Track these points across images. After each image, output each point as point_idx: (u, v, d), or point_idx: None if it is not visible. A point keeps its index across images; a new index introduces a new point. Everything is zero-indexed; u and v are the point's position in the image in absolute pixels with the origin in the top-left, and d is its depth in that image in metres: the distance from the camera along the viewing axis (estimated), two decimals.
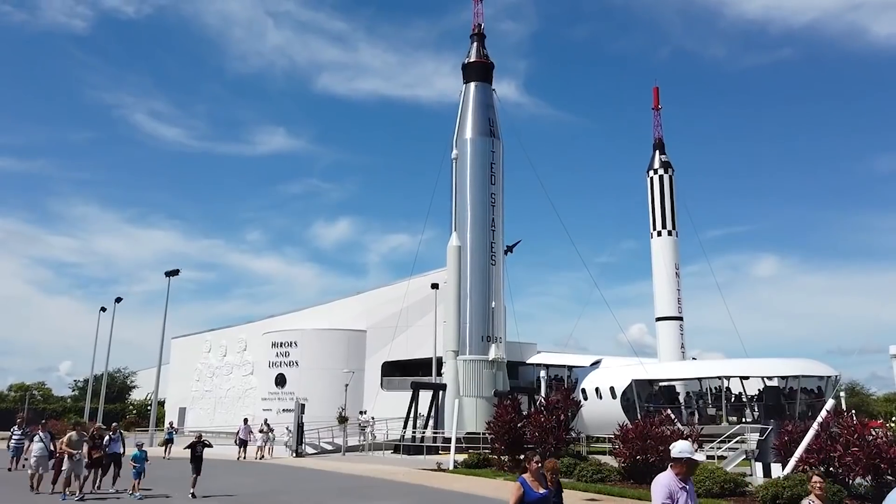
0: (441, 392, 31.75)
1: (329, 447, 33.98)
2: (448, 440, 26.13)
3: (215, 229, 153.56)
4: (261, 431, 31.00)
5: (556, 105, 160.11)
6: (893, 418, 15.26)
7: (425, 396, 32.04)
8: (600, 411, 31.78)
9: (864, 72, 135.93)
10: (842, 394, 29.96)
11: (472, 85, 35.45)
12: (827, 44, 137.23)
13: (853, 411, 30.97)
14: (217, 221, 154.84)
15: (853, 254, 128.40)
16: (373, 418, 33.21)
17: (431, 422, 31.35)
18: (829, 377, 30.49)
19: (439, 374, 33.58)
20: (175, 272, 44.30)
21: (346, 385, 36.96)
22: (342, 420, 34.04)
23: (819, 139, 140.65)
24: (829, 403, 18.22)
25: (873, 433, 15.64)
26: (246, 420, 32.01)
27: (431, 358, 35.71)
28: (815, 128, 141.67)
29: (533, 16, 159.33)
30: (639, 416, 24.61)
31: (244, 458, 28.96)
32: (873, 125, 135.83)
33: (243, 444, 29.57)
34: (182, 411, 49.87)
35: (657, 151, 42.73)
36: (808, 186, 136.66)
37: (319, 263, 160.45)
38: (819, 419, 16.55)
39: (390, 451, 30.61)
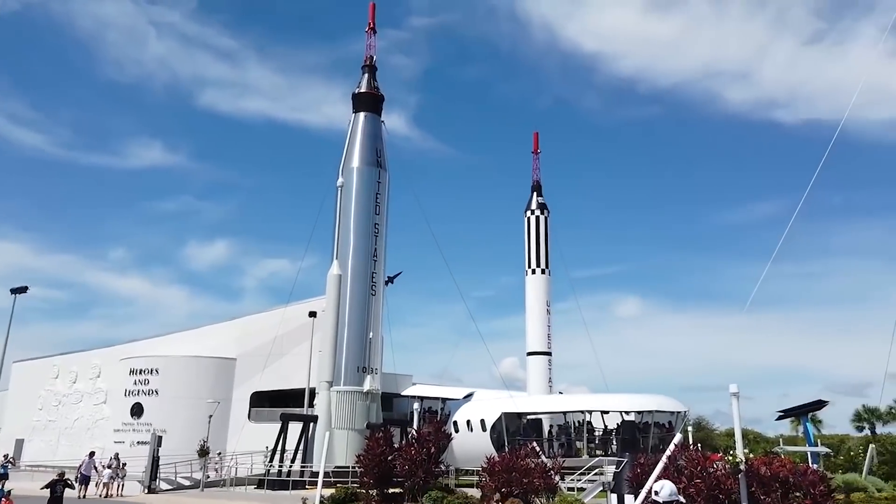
0: (312, 424, 30.92)
1: (187, 483, 31.95)
2: (316, 474, 25.44)
3: (73, 244, 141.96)
4: (108, 466, 28.59)
5: (443, 141, 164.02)
6: (731, 452, 16.67)
7: (295, 429, 31.06)
8: (471, 444, 32.26)
9: (718, 133, 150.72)
10: (689, 428, 32.37)
11: (361, 115, 35.61)
12: (688, 105, 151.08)
13: (699, 445, 33.54)
14: (76, 236, 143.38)
15: (705, 297, 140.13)
16: (219, 454, 31.94)
17: (300, 455, 30.40)
18: (679, 412, 32.88)
19: (311, 405, 32.74)
20: (22, 289, 40.34)
21: (210, 416, 35.07)
22: (203, 453, 32.21)
23: (679, 191, 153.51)
24: (678, 437, 19.63)
25: (715, 466, 17.02)
26: (92, 453, 29.44)
27: (304, 388, 34.77)
28: (676, 180, 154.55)
29: (425, 53, 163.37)
30: (506, 449, 25.25)
31: (84, 495, 26.52)
32: (725, 180, 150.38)
33: (85, 480, 27.09)
34: (19, 443, 45.02)
35: (535, 193, 44.80)
36: (669, 233, 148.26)
37: (191, 286, 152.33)
38: (668, 452, 17.77)
39: (253, 487, 29.27)
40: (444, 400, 40.62)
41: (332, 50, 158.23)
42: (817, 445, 29.52)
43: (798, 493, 16.16)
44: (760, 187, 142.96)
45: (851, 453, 38.56)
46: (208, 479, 31.09)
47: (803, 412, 29.58)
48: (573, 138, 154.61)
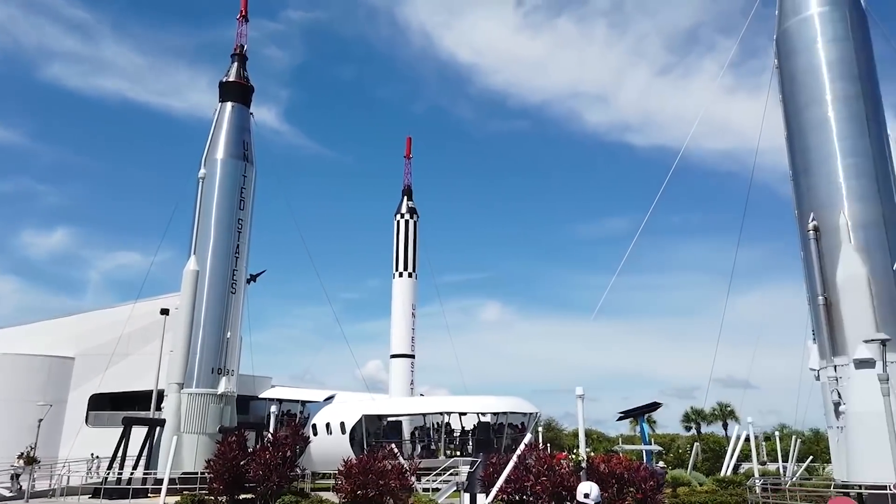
0: (158, 428, 29.08)
1: (8, 493, 28.84)
2: (160, 481, 23.95)
3: None
4: None
5: (315, 139, 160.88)
6: (575, 451, 17.83)
7: (139, 434, 29.05)
8: (329, 447, 31.86)
9: (578, 150, 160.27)
10: (540, 429, 34.10)
11: (229, 105, 34.13)
12: (553, 122, 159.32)
13: (548, 445, 35.42)
14: None
15: (559, 304, 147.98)
16: (30, 460, 29.30)
17: (143, 462, 28.46)
18: (531, 413, 34.52)
19: (159, 408, 30.80)
20: None
21: (41, 420, 31.92)
22: (30, 461, 29.23)
23: (542, 202, 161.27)
24: (527, 438, 20.65)
25: (560, 464, 18.11)
26: None
27: (152, 391, 32.63)
28: (539, 192, 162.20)
29: (300, 47, 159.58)
30: (365, 451, 25.24)
31: None
32: (583, 195, 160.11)
33: None
34: None
35: (405, 197, 45.21)
36: (530, 243, 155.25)
37: (23, 277, 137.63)
38: (518, 452, 18.65)
39: (88, 496, 27.01)
40: (303, 402, 39.80)
41: (200, 34, 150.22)
42: (651, 444, 32.21)
43: (632, 489, 17.62)
44: (613, 204, 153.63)
45: (680, 451, 42.51)
46: (34, 490, 28.27)
47: (640, 413, 32.19)
48: (446, 145, 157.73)
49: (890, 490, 15.83)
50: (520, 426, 34.07)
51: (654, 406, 33.27)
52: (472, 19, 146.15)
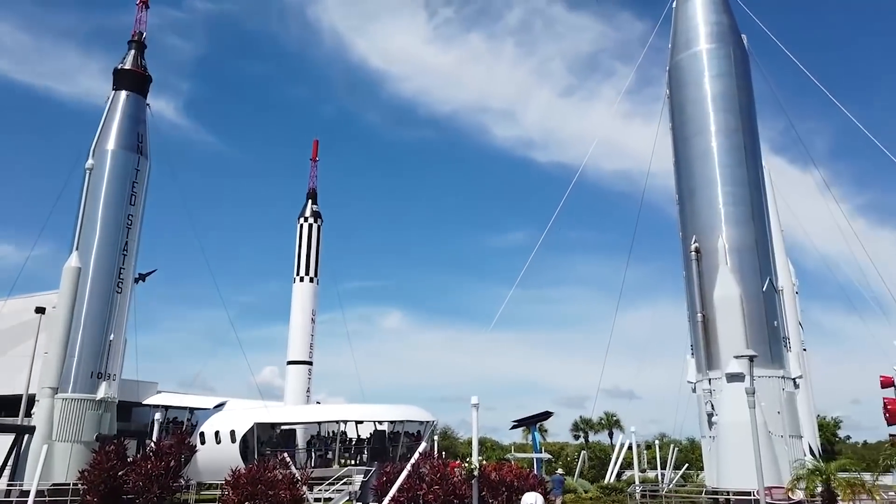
0: (27, 436, 26.86)
1: None
2: (26, 493, 22.13)
3: None
4: None
5: (217, 135, 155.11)
6: (468, 459, 18.08)
7: (5, 442, 26.71)
8: (218, 456, 30.56)
9: (485, 163, 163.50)
10: (436, 437, 34.32)
11: (123, 94, 32.23)
12: (462, 133, 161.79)
13: (443, 453, 35.71)
14: None
15: (459, 313, 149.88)
16: None
17: (8, 472, 26.18)
18: (427, 422, 34.67)
19: (29, 414, 28.45)
20: None
21: None
22: None
23: (446, 212, 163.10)
24: (422, 446, 20.75)
25: (454, 473, 18.32)
26: None
27: (21, 395, 30.10)
28: (445, 201, 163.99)
29: (204, 39, 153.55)
30: (256, 461, 24.44)
31: None
32: (487, 207, 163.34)
33: None
34: None
35: (310, 200, 44.42)
36: (434, 252, 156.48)
37: None
38: (412, 461, 18.70)
39: None
40: (192, 410, 37.99)
41: (93, 17, 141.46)
42: (542, 452, 33.18)
43: (521, 496, 18.08)
44: (516, 217, 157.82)
45: (569, 459, 44.01)
46: None
47: (533, 422, 33.13)
48: (353, 150, 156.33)
49: (754, 496, 17.11)
50: (416, 434, 34.12)
51: (546, 415, 34.34)
52: (385, 27, 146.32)
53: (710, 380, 19.67)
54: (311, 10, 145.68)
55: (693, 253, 20.61)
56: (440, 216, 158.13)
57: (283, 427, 34.61)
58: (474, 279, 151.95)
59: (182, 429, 33.52)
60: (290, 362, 40.90)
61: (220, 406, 37.12)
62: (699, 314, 20.04)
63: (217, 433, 33.32)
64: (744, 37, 22.67)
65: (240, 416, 34.26)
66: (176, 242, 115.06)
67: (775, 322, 19.68)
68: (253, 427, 32.48)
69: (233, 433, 32.89)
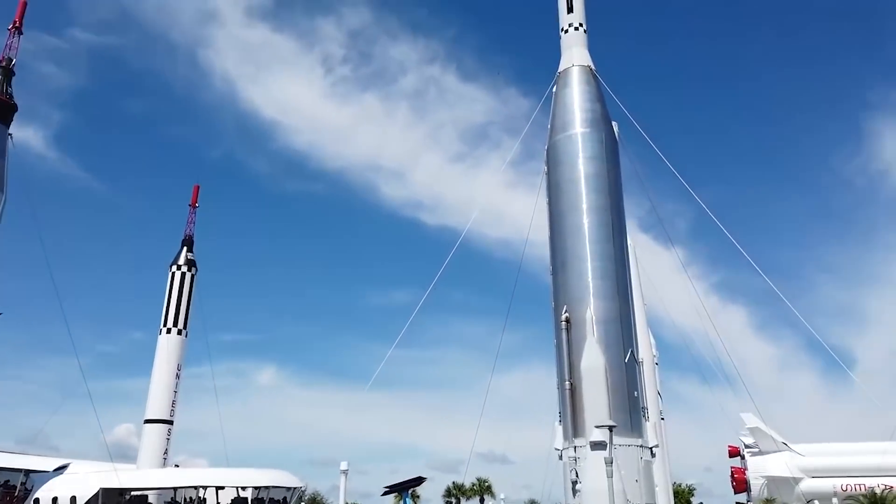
0: None
1: None
2: None
3: None
4: None
5: (90, 171, 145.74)
6: None
7: None
8: None
9: (373, 221, 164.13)
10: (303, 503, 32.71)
11: None
12: (352, 190, 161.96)
13: None
14: None
15: (338, 372, 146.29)
16: None
17: None
18: (295, 488, 33.07)
19: None
20: None
21: None
22: None
23: (330, 267, 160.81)
24: None
25: None
26: None
27: None
28: (329, 256, 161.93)
29: (83, 70, 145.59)
30: None
31: None
32: (373, 265, 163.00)
33: None
34: None
35: (185, 247, 42.39)
36: (313, 306, 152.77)
37: None
38: None
39: None
40: (27, 472, 34.07)
41: None
42: None
43: None
44: (402, 276, 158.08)
45: None
46: None
47: (404, 488, 32.38)
48: (238, 198, 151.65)
49: None
50: (282, 501, 32.39)
51: (419, 481, 33.75)
52: (280, 78, 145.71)
53: (575, 447, 20.22)
54: (203, 53, 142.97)
55: (563, 323, 21.44)
56: (323, 271, 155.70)
57: (133, 493, 31.71)
58: (355, 336, 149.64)
59: (14, 494, 29.92)
60: (147, 420, 37.89)
61: (61, 469, 33.55)
62: (567, 382, 20.71)
63: (55, 499, 29.98)
64: (615, 124, 24.59)
65: (83, 480, 31.09)
66: (31, 284, 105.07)
67: (635, 392, 20.70)
68: (98, 493, 29.57)
69: (73, 499, 29.72)
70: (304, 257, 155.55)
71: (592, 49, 24.51)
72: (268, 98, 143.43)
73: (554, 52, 25.03)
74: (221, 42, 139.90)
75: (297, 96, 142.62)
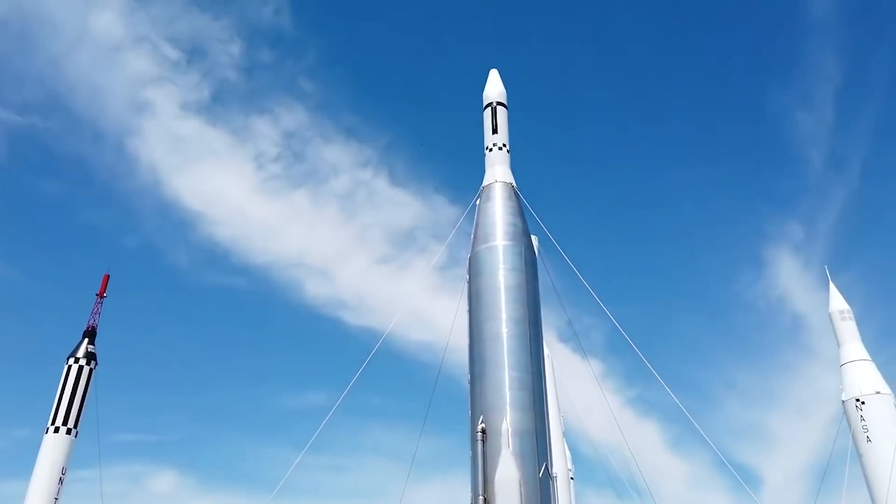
0: None
1: None
2: None
3: None
4: None
5: None
6: None
7: None
8: None
9: (295, 319, 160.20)
10: None
11: None
12: (275, 286, 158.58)
13: None
14: None
15: (244, 478, 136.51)
16: None
17: None
18: None
19: None
20: None
21: None
22: None
23: (243, 365, 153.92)
24: None
25: None
26: None
27: None
28: (243, 354, 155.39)
29: (4, 152, 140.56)
30: None
31: None
32: (290, 365, 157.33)
33: None
34: None
35: (86, 339, 39.89)
36: (221, 408, 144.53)
37: None
38: None
39: None
40: None
41: None
42: None
43: None
44: (319, 377, 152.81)
45: None
46: None
47: None
48: (151, 290, 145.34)
49: None
50: None
51: None
52: (208, 170, 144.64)
53: None
54: (132, 141, 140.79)
55: (479, 434, 21.18)
56: (236, 369, 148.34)
57: None
58: (264, 440, 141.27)
59: None
60: None
61: None
62: (480, 497, 20.17)
63: None
64: (535, 238, 25.69)
65: None
66: None
67: None
68: None
69: None
70: (216, 354, 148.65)
71: (515, 166, 25.96)
72: (194, 189, 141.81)
73: (480, 166, 26.34)
74: (152, 132, 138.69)
75: (225, 189, 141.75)
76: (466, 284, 25.37)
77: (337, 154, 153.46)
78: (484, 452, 21.09)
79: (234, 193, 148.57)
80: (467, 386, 23.40)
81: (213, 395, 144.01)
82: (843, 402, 31.12)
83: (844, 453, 30.67)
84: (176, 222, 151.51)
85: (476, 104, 25.62)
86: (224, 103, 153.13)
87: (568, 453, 31.64)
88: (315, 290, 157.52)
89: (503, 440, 20.85)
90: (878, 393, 30.13)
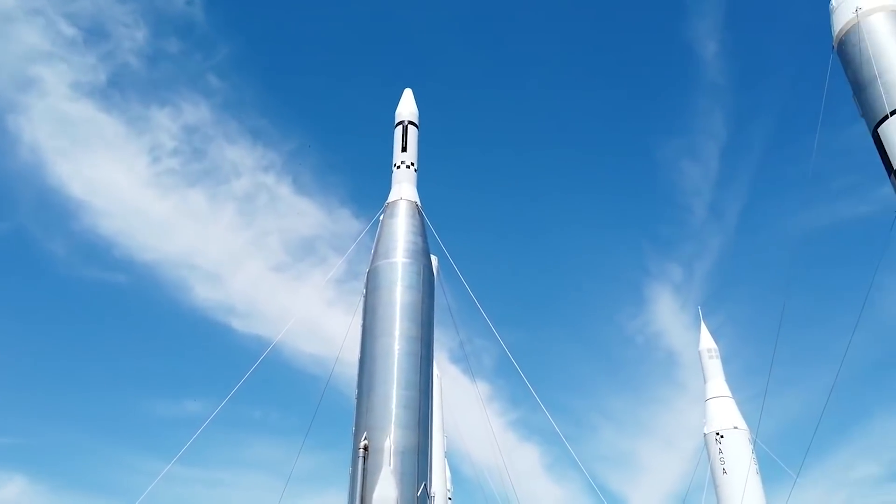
0: None
1: None
2: None
3: None
4: None
5: None
6: None
7: None
8: None
9: (178, 323, 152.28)
10: None
11: None
12: (160, 285, 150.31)
13: None
14: None
15: (104, 488, 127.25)
16: None
17: None
18: None
19: None
20: None
21: None
22: None
23: (115, 369, 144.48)
24: None
25: None
26: None
27: None
28: (116, 356, 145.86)
29: None
30: None
31: None
32: (169, 369, 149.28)
33: None
34: None
35: None
36: (85, 411, 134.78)
37: None
38: None
39: None
40: None
41: None
42: None
43: None
44: (199, 385, 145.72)
45: None
46: None
47: None
48: (21, 281, 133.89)
49: None
50: None
51: None
52: (97, 157, 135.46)
53: None
54: (14, 118, 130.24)
55: (362, 450, 21.03)
56: (106, 372, 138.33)
57: None
58: (132, 449, 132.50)
59: None
60: None
61: None
62: None
63: None
64: (434, 258, 26.01)
65: None
66: None
67: None
68: None
69: None
70: (87, 354, 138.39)
71: (421, 186, 26.24)
72: (79, 176, 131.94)
73: (387, 182, 26.42)
74: (37, 111, 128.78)
75: (114, 179, 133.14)
76: (363, 299, 25.25)
77: (240, 155, 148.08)
78: (364, 470, 20.93)
79: (123, 184, 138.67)
80: (354, 401, 23.23)
81: (80, 397, 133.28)
82: (705, 434, 33.43)
83: (703, 483, 32.90)
84: (55, 209, 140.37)
85: (388, 121, 25.74)
86: (122, 89, 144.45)
87: (448, 473, 31.93)
88: (204, 293, 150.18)
89: (385, 458, 20.79)
90: (735, 428, 32.59)
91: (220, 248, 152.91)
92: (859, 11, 21.12)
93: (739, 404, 33.62)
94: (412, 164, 25.59)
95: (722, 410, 33.37)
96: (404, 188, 25.70)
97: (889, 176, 20.40)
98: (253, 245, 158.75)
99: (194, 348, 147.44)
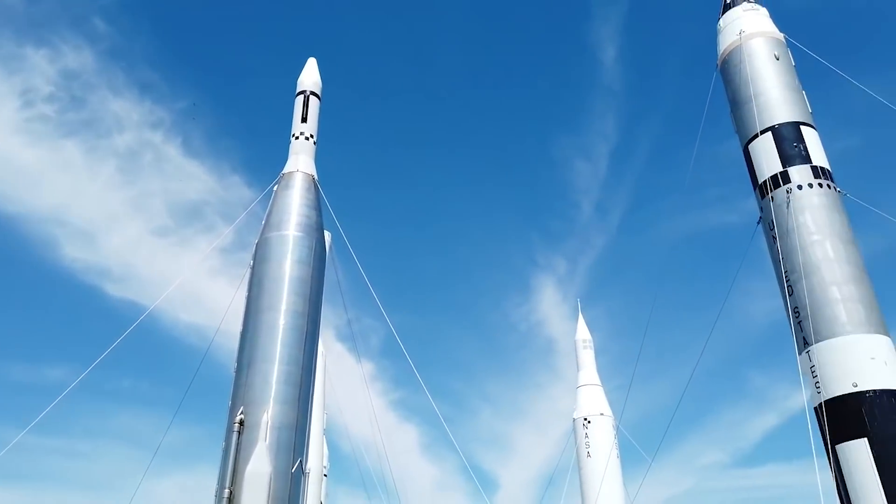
0: None
1: None
2: None
3: None
4: None
5: None
6: None
7: None
8: None
9: (45, 283, 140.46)
10: None
11: None
12: (25, 241, 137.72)
13: None
14: None
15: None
16: None
17: None
18: None
19: None
20: None
21: None
22: None
23: None
24: None
25: None
26: None
27: None
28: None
29: None
30: None
31: None
32: (29, 336, 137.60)
33: None
34: None
35: None
36: None
37: None
38: None
39: None
40: None
41: None
42: None
43: None
44: (64, 350, 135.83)
45: None
46: None
47: None
48: None
49: None
50: None
51: None
52: None
53: None
54: None
55: (237, 424, 20.49)
56: None
57: None
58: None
59: None
60: None
61: None
62: (226, 490, 19.44)
63: None
64: (328, 234, 25.59)
65: None
66: None
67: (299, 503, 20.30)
68: None
69: None
70: None
71: (319, 160, 25.66)
72: None
73: (284, 152, 25.60)
74: None
75: None
76: (250, 270, 24.43)
77: (125, 109, 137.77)
78: (238, 444, 20.39)
79: None
80: (233, 374, 22.52)
81: None
82: (574, 419, 35.36)
83: (569, 465, 34.81)
84: None
85: (290, 89, 24.89)
86: None
87: (326, 451, 31.76)
88: (74, 252, 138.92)
89: (261, 433, 20.37)
90: (601, 414, 34.69)
91: (95, 206, 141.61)
92: (742, 34, 22.85)
93: (607, 393, 35.80)
94: (311, 136, 24.94)
95: (591, 397, 35.39)
96: (301, 160, 25.01)
97: (754, 189, 22.39)
98: (133, 206, 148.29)
99: (60, 311, 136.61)
